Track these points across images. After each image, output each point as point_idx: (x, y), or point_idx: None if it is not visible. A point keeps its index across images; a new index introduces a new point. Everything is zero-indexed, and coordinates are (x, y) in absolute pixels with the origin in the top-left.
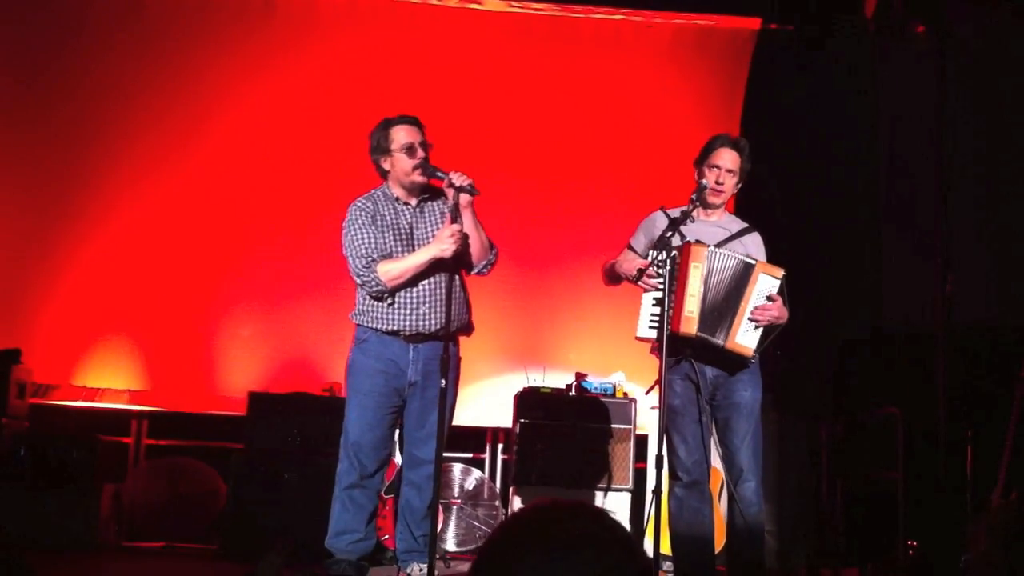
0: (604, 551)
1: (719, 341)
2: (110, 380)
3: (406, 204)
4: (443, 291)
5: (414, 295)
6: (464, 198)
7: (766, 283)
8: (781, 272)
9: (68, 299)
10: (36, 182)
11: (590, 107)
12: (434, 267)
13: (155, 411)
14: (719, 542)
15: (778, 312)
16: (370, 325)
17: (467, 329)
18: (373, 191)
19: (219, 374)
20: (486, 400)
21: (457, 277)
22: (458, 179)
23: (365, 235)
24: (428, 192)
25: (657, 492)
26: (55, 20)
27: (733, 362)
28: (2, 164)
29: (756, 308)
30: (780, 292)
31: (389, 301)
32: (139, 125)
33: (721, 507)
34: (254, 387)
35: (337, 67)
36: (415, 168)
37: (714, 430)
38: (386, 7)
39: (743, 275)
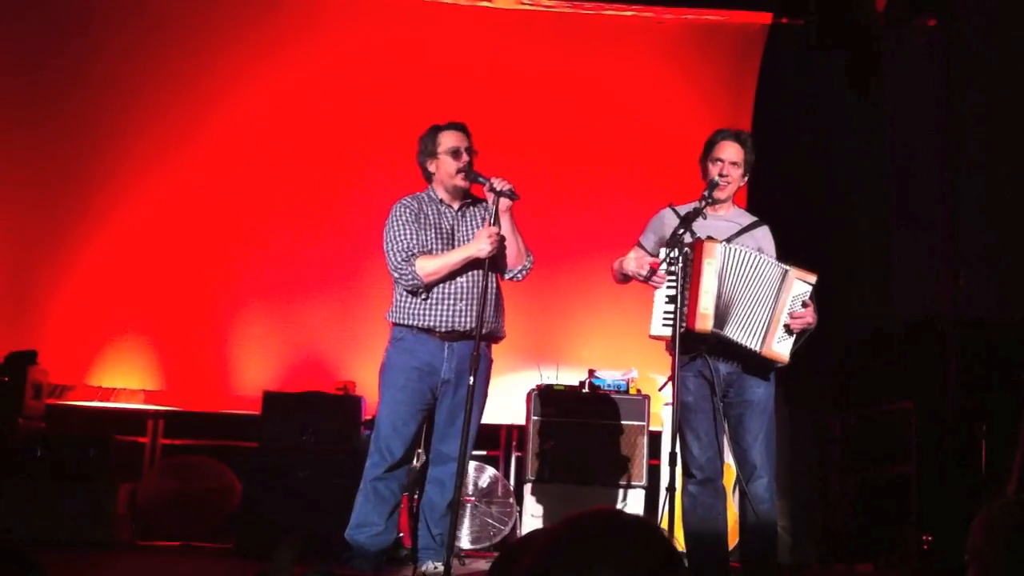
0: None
1: (753, 346)
2: (125, 380)
3: (449, 207)
4: (479, 291)
5: (450, 292)
6: (504, 203)
7: (800, 289)
8: (814, 277)
9: (82, 300)
10: (46, 183)
11: (599, 103)
12: (471, 267)
13: (170, 411)
14: (733, 538)
15: (811, 318)
16: (405, 322)
17: (497, 334)
18: (418, 193)
19: (233, 373)
20: (499, 398)
21: (493, 280)
22: (499, 184)
23: (407, 231)
24: (470, 197)
25: (671, 489)
26: (59, 15)
27: (752, 361)
28: (11, 162)
29: (792, 315)
30: (811, 297)
31: (424, 296)
32: (148, 121)
33: (735, 503)
34: (268, 386)
35: (345, 62)
36: (458, 171)
37: (727, 427)
38: (393, 2)
39: (777, 281)
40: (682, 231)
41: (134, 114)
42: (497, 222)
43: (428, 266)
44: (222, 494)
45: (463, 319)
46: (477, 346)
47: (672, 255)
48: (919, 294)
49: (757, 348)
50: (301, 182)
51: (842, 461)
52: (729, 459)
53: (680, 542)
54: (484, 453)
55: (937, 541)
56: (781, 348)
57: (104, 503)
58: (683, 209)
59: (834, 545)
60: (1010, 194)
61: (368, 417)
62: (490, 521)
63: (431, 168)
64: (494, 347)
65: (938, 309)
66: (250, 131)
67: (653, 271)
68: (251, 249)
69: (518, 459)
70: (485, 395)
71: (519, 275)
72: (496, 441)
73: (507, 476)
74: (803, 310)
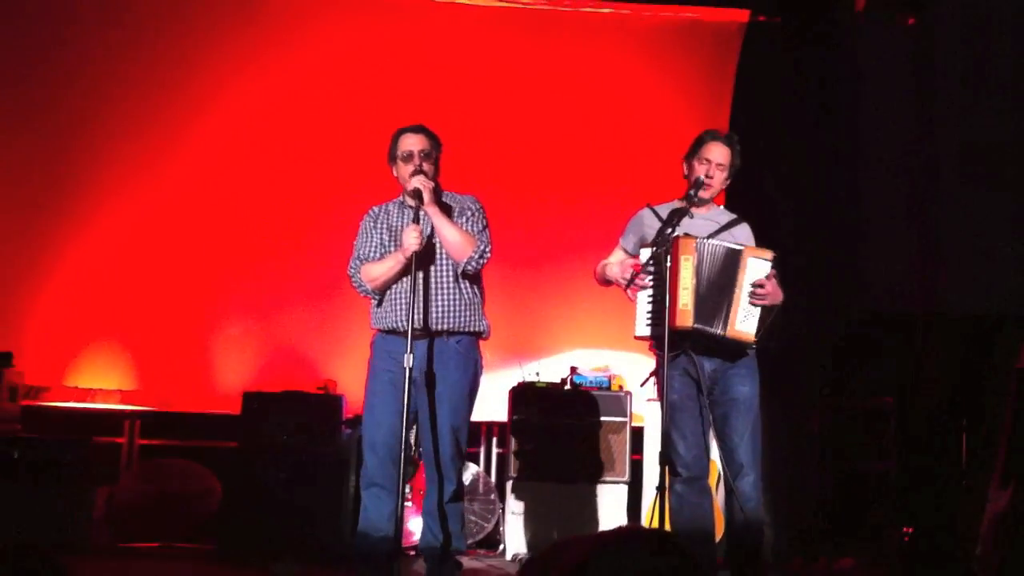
0: None
1: (718, 331)
2: (102, 381)
3: (410, 208)
4: (435, 287)
5: (401, 292)
6: (426, 198)
7: (756, 266)
8: (770, 254)
9: (58, 300)
10: (26, 182)
11: (578, 101)
12: (419, 266)
13: (147, 411)
14: (717, 534)
15: (772, 292)
16: (375, 326)
17: (463, 329)
18: (393, 199)
19: (212, 373)
20: (481, 395)
21: (441, 275)
22: (413, 183)
23: (362, 239)
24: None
25: (661, 488)
26: (45, 18)
27: (733, 351)
28: None
29: (751, 292)
30: (774, 273)
31: (376, 300)
32: (129, 125)
33: (718, 499)
34: (248, 386)
35: (325, 64)
36: (411, 175)
37: (713, 425)
38: (374, 2)
39: (732, 262)
40: (670, 230)
41: (115, 119)
42: (418, 220)
43: (370, 272)
44: (202, 495)
45: (420, 317)
46: (410, 344)
47: (656, 253)
48: (901, 289)
49: (722, 332)
50: (281, 183)
51: (823, 456)
52: (713, 456)
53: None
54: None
55: (918, 535)
56: (745, 327)
57: (82, 506)
58: (661, 208)
59: (815, 540)
60: (989, 187)
61: (349, 416)
62: (472, 518)
63: (394, 172)
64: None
65: (920, 304)
66: (231, 136)
67: (635, 275)
68: (228, 248)
69: (500, 456)
70: (460, 393)
71: (469, 266)
72: (478, 438)
73: (489, 473)
74: (762, 288)
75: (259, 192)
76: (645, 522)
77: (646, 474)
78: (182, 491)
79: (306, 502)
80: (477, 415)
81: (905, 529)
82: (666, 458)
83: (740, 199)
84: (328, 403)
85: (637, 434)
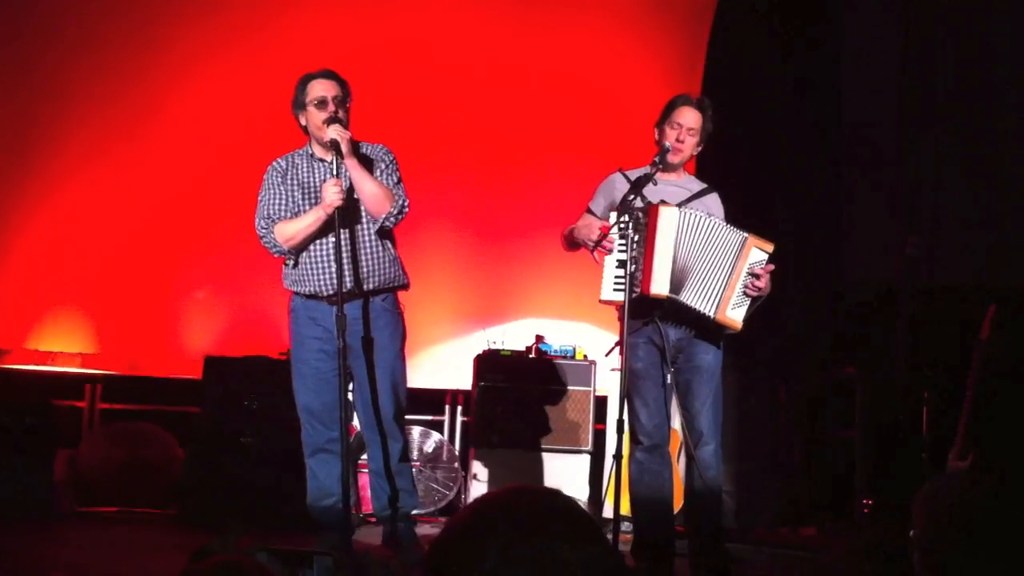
0: (575, 540)
1: (706, 311)
2: (63, 344)
3: (322, 161)
4: (358, 245)
5: (324, 253)
6: (344, 149)
7: (756, 256)
8: (771, 247)
9: (20, 263)
10: None
11: (551, 71)
12: (342, 223)
13: (109, 375)
14: (677, 503)
15: (766, 285)
16: (293, 289)
17: (392, 283)
18: (295, 151)
19: (175, 337)
20: (445, 362)
21: (365, 232)
22: (330, 133)
23: (270, 195)
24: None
25: (618, 456)
26: None
27: (703, 326)
28: None
29: (748, 282)
30: (771, 267)
31: (292, 263)
32: (97, 92)
33: (679, 468)
34: (210, 350)
35: (295, 34)
36: (324, 122)
37: (675, 393)
38: None
39: (735, 248)
40: (632, 197)
41: (85, 86)
42: (338, 174)
43: (286, 231)
44: (164, 460)
45: (348, 277)
46: (340, 306)
47: (623, 220)
48: (872, 261)
49: (711, 313)
50: (246, 149)
51: (789, 426)
52: (675, 425)
53: (627, 507)
54: (429, 418)
55: (877, 505)
56: (735, 314)
57: (42, 470)
58: (633, 174)
59: (780, 509)
60: (972, 162)
61: None
62: (435, 486)
63: (303, 121)
64: (439, 311)
65: (889, 275)
66: (199, 103)
67: (603, 236)
68: (193, 213)
69: (464, 424)
70: (399, 352)
71: (388, 221)
72: (442, 406)
73: (452, 441)
74: (759, 277)
75: (224, 158)
76: (605, 491)
77: (609, 443)
78: (144, 455)
79: (269, 467)
80: (441, 383)
81: (865, 500)
82: (623, 425)
83: (712, 167)
84: (290, 368)
85: (601, 403)
